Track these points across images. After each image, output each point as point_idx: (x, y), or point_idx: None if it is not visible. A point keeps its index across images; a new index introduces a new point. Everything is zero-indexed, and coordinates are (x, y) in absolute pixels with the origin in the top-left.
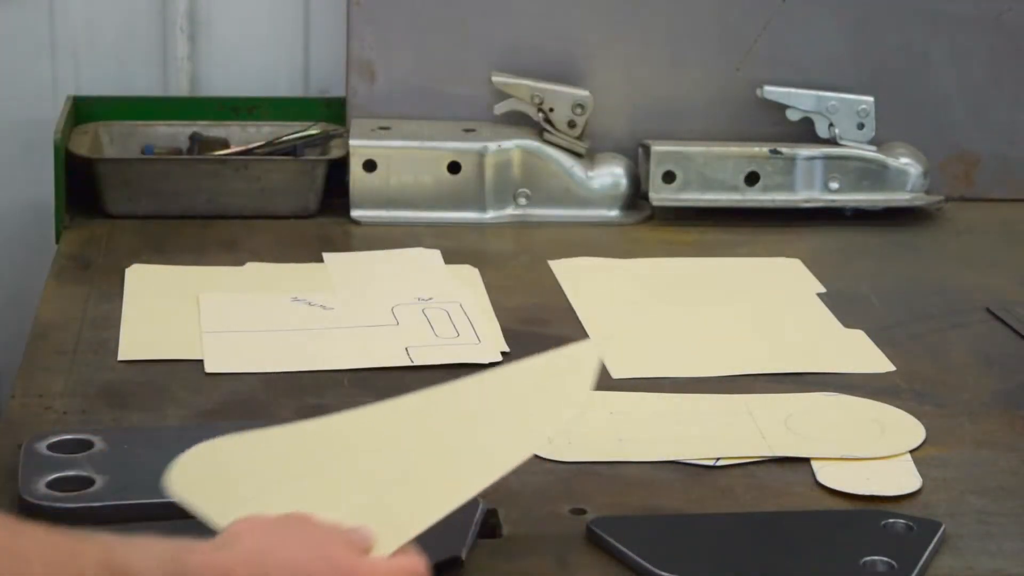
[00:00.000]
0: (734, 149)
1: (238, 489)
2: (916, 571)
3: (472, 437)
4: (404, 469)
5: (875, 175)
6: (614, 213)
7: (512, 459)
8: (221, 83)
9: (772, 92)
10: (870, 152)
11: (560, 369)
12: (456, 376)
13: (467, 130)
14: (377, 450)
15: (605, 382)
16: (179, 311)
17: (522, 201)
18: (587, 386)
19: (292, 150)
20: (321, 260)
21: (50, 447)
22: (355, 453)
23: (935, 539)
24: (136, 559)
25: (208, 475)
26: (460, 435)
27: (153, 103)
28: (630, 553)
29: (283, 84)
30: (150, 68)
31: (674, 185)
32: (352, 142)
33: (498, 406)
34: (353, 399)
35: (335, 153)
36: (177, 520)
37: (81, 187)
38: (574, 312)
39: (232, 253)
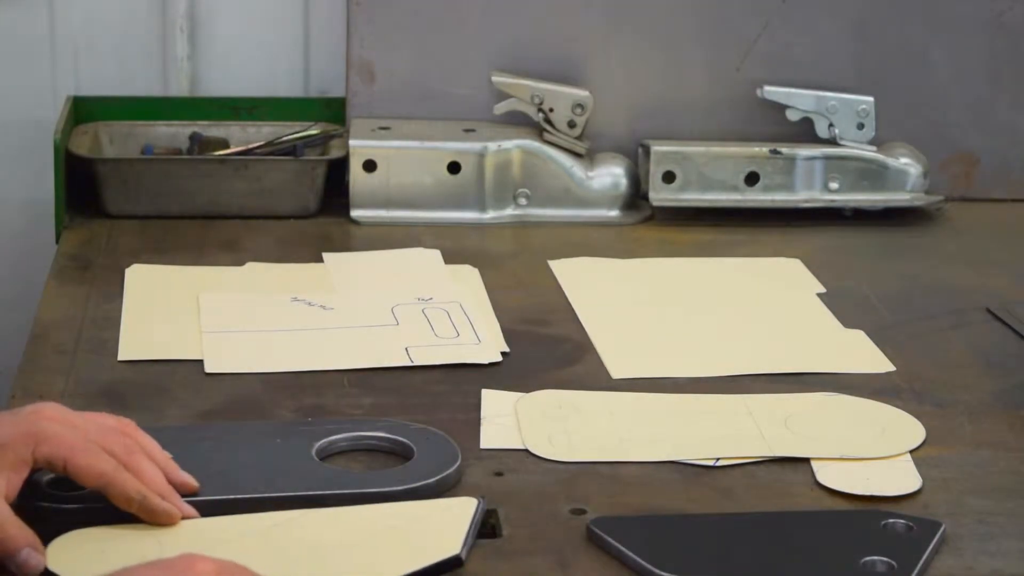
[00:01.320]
0: (734, 149)
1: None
2: (916, 571)
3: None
4: None
5: (875, 175)
6: (614, 213)
7: None
8: (221, 83)
9: (772, 92)
10: (870, 152)
11: (436, 517)
12: (456, 376)
13: (467, 130)
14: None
15: (605, 382)
16: (179, 311)
17: (522, 201)
18: (458, 541)
19: (292, 150)
20: (321, 260)
21: None
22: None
23: (935, 539)
24: None
25: (88, 557)
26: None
27: (153, 103)
28: (630, 553)
29: (283, 84)
30: (150, 68)
31: (674, 185)
32: (352, 142)
33: (360, 539)
34: (353, 399)
35: (335, 153)
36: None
37: (81, 187)
38: (574, 312)
39: (232, 253)
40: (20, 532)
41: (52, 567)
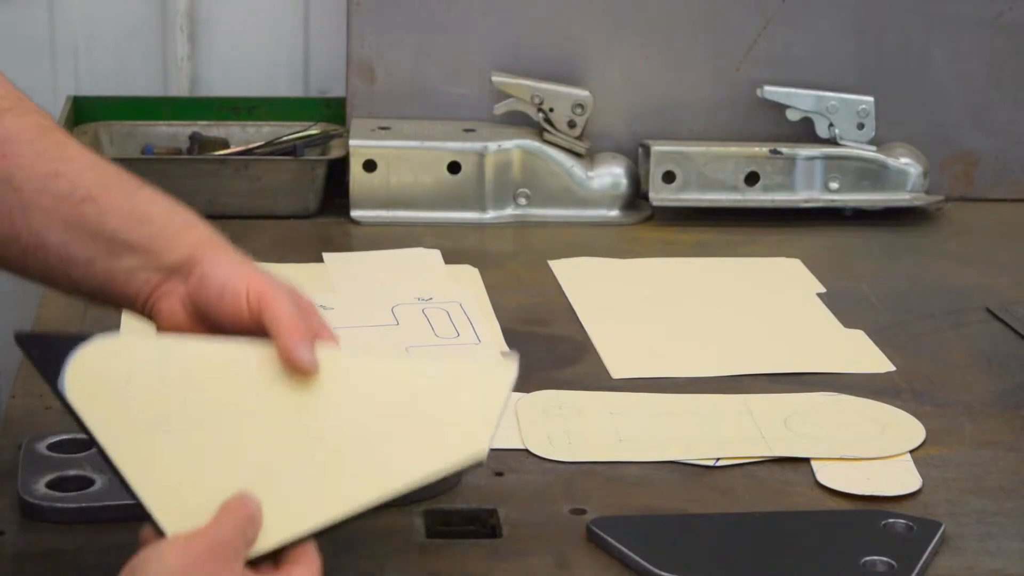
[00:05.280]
0: (734, 149)
1: (133, 408)
2: (916, 571)
3: (381, 441)
4: (309, 453)
5: (875, 175)
6: (614, 213)
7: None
8: (221, 83)
9: (772, 92)
10: (870, 152)
11: (476, 380)
12: None
13: (467, 130)
14: (289, 423)
15: (605, 382)
16: None
17: (522, 201)
18: (500, 400)
19: (292, 150)
20: (321, 260)
21: (50, 447)
22: (268, 416)
23: (935, 539)
24: None
25: (106, 383)
26: (369, 434)
27: (153, 103)
28: (630, 553)
29: (283, 84)
30: (150, 68)
31: (674, 185)
32: (352, 142)
33: (413, 410)
34: None
35: (335, 153)
36: None
37: None
38: (574, 312)
39: None
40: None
41: (69, 395)
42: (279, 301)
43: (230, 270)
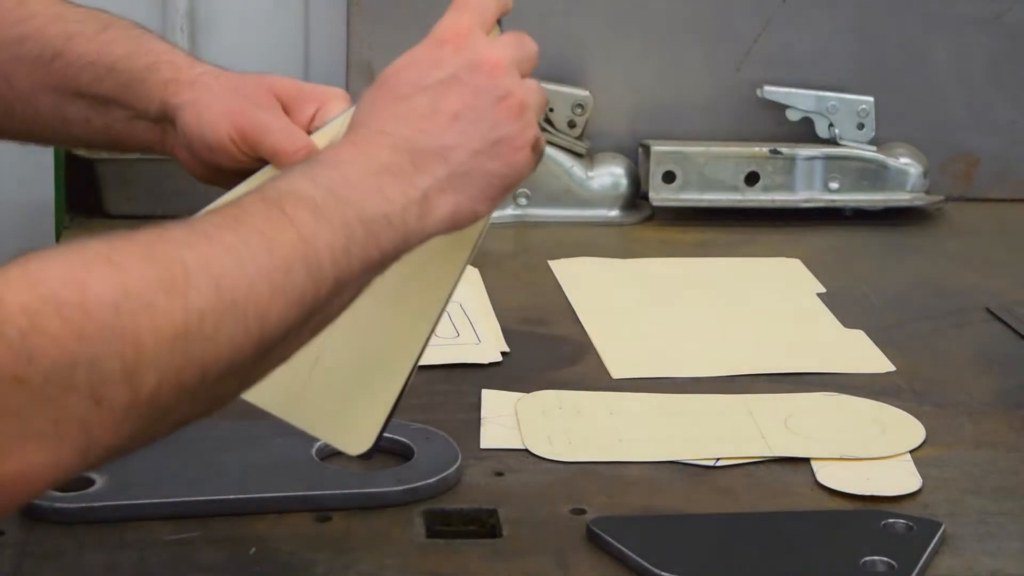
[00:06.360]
0: (734, 149)
1: None
2: (916, 571)
3: None
4: None
5: (875, 175)
6: (614, 213)
7: None
8: None
9: (772, 92)
10: (870, 152)
11: None
12: (456, 376)
13: None
14: None
15: (605, 382)
16: None
17: (522, 201)
18: None
19: None
20: None
21: None
22: None
23: (935, 539)
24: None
25: None
26: None
27: None
28: (630, 553)
29: None
30: None
31: (674, 185)
32: None
33: None
34: None
35: None
36: (178, 520)
37: (81, 187)
38: (574, 312)
39: None
40: None
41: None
42: (266, 132)
43: (203, 118)
